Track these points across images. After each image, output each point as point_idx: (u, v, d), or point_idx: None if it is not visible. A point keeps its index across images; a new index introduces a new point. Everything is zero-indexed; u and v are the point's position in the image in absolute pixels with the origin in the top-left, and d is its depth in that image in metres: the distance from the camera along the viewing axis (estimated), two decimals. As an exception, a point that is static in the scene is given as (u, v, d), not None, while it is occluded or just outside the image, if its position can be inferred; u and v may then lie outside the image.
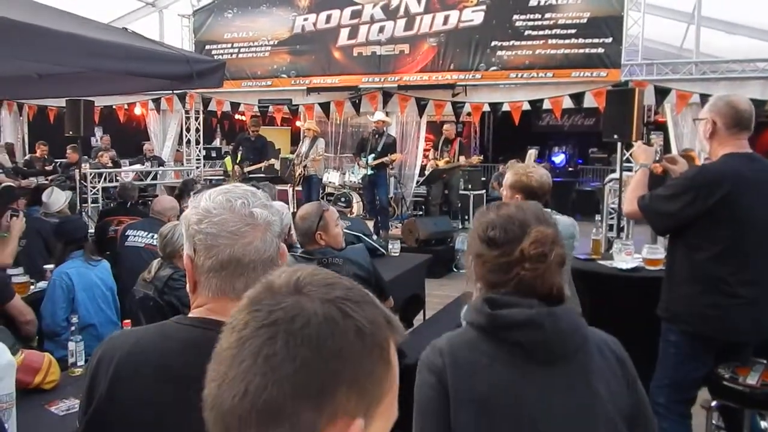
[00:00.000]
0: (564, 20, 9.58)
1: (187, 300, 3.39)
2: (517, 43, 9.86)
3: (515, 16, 9.83)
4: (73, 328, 3.03)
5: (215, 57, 11.00)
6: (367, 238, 5.31)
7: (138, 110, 12.99)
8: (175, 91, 11.68)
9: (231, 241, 1.19)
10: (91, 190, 10.01)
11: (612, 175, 9.42)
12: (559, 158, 18.67)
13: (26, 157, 11.37)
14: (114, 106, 12.63)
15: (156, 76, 4.87)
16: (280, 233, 1.26)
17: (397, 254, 5.55)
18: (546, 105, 9.79)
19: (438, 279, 7.84)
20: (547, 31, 9.68)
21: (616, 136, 7.04)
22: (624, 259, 4.11)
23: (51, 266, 3.93)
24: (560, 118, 18.86)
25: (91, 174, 10.16)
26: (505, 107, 9.98)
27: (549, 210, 3.14)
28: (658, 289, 3.07)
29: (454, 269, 8.56)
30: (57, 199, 5.10)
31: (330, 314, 0.68)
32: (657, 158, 3.45)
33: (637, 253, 4.18)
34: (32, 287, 3.99)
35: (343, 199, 5.60)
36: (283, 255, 1.29)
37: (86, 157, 11.07)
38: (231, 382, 0.67)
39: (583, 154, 18.45)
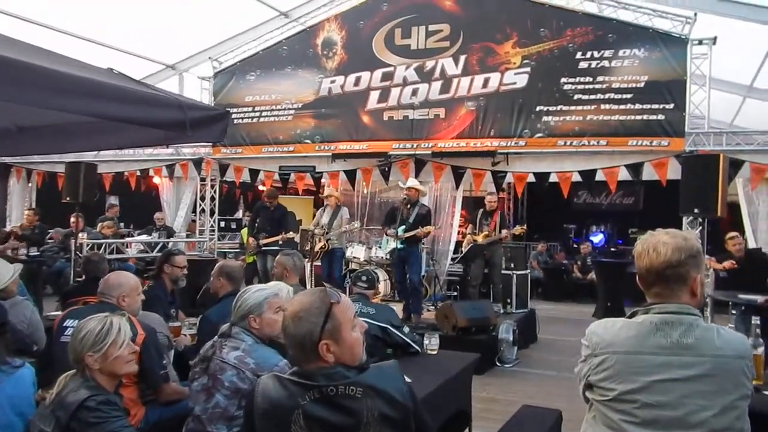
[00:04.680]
0: (618, 84, 8.64)
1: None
2: (566, 108, 8.89)
3: (563, 79, 8.93)
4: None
5: (235, 121, 10.29)
6: (396, 331, 4.12)
7: (157, 180, 12.22)
8: (185, 153, 10.88)
9: None
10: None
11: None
12: (597, 238, 17.62)
13: (12, 227, 10.43)
14: (126, 173, 11.85)
15: (140, 123, 3.85)
16: None
17: (435, 352, 4.33)
18: (599, 176, 8.68)
19: (479, 376, 6.37)
20: (599, 96, 8.73)
21: (697, 210, 5.91)
22: None
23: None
24: (599, 196, 17.95)
25: (88, 245, 9.12)
26: (553, 178, 8.90)
27: (707, 323, 1.98)
28: None
29: (498, 363, 7.22)
30: (1, 274, 3.96)
31: None
32: None
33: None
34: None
35: (364, 278, 4.42)
36: None
37: (90, 227, 10.16)
38: None
39: (622, 234, 17.27)
